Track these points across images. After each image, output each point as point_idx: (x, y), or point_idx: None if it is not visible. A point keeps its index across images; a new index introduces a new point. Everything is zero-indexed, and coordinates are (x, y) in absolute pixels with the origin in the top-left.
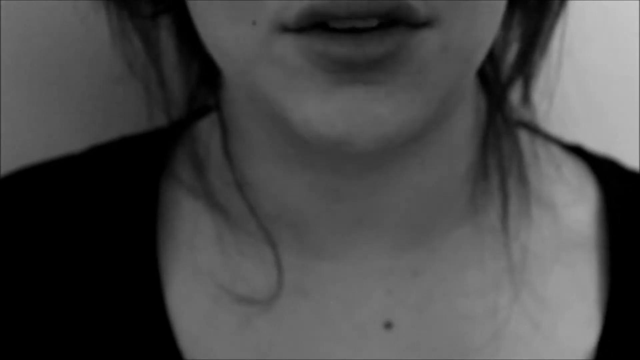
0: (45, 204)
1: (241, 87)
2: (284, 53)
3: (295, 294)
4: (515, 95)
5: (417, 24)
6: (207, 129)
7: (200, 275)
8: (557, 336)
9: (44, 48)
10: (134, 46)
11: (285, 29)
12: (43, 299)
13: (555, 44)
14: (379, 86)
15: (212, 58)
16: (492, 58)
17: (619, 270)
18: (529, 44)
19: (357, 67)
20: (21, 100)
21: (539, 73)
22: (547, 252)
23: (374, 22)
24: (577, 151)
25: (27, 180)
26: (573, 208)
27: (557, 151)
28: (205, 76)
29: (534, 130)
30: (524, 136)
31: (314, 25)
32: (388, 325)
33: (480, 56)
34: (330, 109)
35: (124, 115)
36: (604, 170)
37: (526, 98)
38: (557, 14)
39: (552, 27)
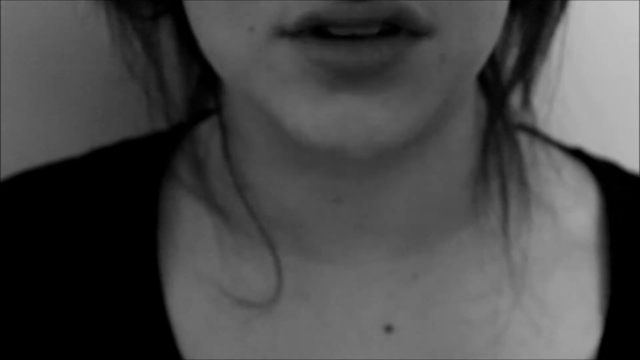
0: (46, 208)
1: (237, 91)
2: (279, 60)
3: (296, 297)
4: (515, 98)
5: (418, 33)
6: (207, 131)
7: (200, 279)
8: (557, 340)
9: (44, 50)
10: (134, 48)
11: (282, 33)
12: (44, 303)
13: (555, 47)
14: (374, 94)
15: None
16: (493, 62)
17: (619, 273)
18: (530, 48)
19: (352, 75)
20: (21, 103)
21: (539, 76)
22: (547, 255)
23: (375, 30)
24: (578, 154)
25: (27, 183)
26: (573, 211)
27: (557, 154)
28: (205, 78)
29: (534, 133)
30: (524, 139)
31: (313, 29)
32: (388, 329)
33: (479, 64)
34: (322, 117)
35: (124, 118)
36: (605, 173)
37: (526, 101)
38: (557, 18)
39: (552, 31)
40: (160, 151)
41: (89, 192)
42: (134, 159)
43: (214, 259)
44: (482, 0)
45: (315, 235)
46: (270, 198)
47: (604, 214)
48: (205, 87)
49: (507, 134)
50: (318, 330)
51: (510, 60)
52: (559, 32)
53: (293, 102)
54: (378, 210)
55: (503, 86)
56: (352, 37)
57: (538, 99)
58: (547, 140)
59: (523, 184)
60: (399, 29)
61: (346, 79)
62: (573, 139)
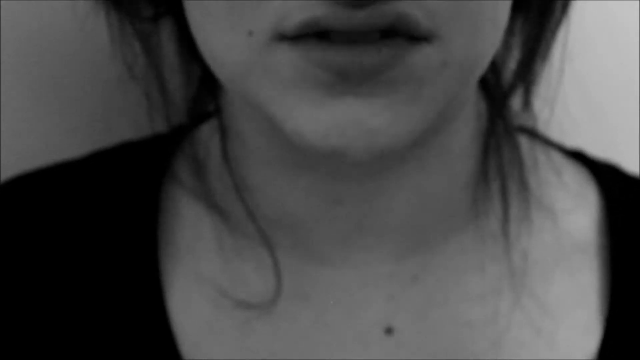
0: (46, 210)
1: (236, 94)
2: (278, 64)
3: (296, 299)
4: (516, 100)
5: (418, 37)
6: (207, 133)
7: (200, 280)
8: (558, 342)
9: (44, 50)
10: (134, 50)
11: (282, 38)
12: (44, 304)
13: (556, 49)
14: (375, 99)
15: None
16: (494, 64)
17: (619, 276)
18: (531, 51)
19: (353, 78)
20: (21, 103)
21: (540, 79)
22: (547, 257)
23: (375, 36)
24: (578, 156)
25: (27, 186)
26: (574, 214)
27: (557, 157)
28: (205, 80)
29: (535, 135)
30: (524, 141)
31: (313, 33)
32: (389, 331)
33: (481, 69)
34: (322, 121)
35: (124, 119)
36: (605, 175)
37: (527, 104)
38: (559, 21)
39: (554, 34)
40: (160, 153)
41: (89, 194)
42: (134, 160)
43: (214, 260)
44: (483, 6)
45: (315, 236)
46: (270, 199)
47: (604, 216)
48: (205, 89)
49: (508, 136)
50: (318, 331)
51: (511, 62)
52: (560, 34)
53: (292, 105)
54: (378, 211)
55: (504, 88)
56: (352, 42)
57: (539, 101)
58: (548, 142)
59: (523, 185)
60: (398, 34)
61: (346, 81)
62: (573, 141)
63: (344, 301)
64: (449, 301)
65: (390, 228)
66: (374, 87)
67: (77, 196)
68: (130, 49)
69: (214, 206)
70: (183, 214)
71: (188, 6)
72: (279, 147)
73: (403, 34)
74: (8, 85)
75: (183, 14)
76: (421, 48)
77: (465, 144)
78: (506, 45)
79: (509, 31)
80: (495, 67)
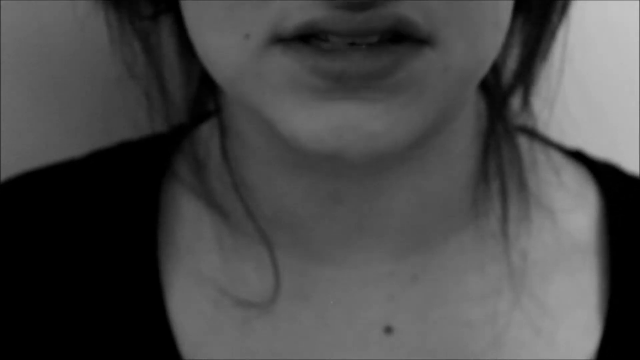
0: (46, 209)
1: (232, 95)
2: (271, 69)
3: (296, 298)
4: (515, 100)
5: (421, 41)
6: (207, 132)
7: (200, 279)
8: (557, 342)
9: (44, 50)
10: (134, 49)
11: (278, 40)
12: (44, 303)
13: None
14: (375, 103)
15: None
16: (494, 64)
17: (619, 275)
18: (531, 51)
19: (350, 83)
20: (21, 103)
21: (540, 78)
22: (547, 257)
23: (374, 39)
24: (578, 156)
25: (28, 185)
26: (573, 213)
27: (557, 156)
28: (205, 79)
29: (534, 135)
30: (523, 141)
31: (307, 37)
32: (388, 330)
33: (482, 72)
34: (318, 125)
35: (124, 118)
36: (605, 175)
37: (526, 103)
38: (559, 21)
39: (554, 34)
40: (160, 152)
41: (90, 193)
42: (134, 160)
43: (214, 259)
44: (485, 9)
45: (315, 236)
46: (270, 198)
47: (603, 216)
48: (205, 88)
49: (507, 136)
50: (318, 331)
51: (511, 61)
52: (560, 34)
53: (287, 109)
54: (378, 211)
55: (503, 88)
56: (351, 44)
57: (538, 101)
58: (547, 142)
59: (523, 185)
60: (401, 37)
61: (343, 87)
62: (573, 141)
63: (343, 301)
64: (449, 301)
65: (390, 228)
66: (374, 92)
67: (77, 195)
68: (129, 48)
69: (214, 205)
70: (183, 213)
71: (185, 6)
72: (278, 147)
73: (403, 38)
74: (8, 85)
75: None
76: (423, 53)
77: (465, 144)
78: (506, 44)
79: (510, 31)
80: (495, 67)
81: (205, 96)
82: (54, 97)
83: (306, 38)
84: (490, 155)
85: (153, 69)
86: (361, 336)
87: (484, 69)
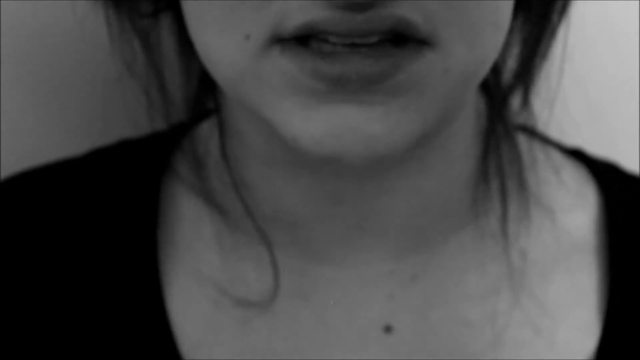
0: (46, 208)
1: (231, 95)
2: (270, 70)
3: (295, 298)
4: (515, 99)
5: (419, 41)
6: (207, 130)
7: (200, 278)
8: (556, 341)
9: (43, 50)
10: (134, 48)
11: (277, 41)
12: (43, 303)
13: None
14: (374, 105)
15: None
16: (494, 63)
17: (618, 275)
18: (531, 51)
19: (349, 86)
20: (21, 103)
21: (540, 79)
22: (546, 256)
23: (373, 39)
24: (577, 155)
25: (27, 184)
26: (573, 212)
27: (556, 155)
28: (205, 78)
29: (533, 134)
30: (523, 141)
31: (306, 39)
32: (388, 330)
33: (482, 73)
34: (317, 128)
35: (124, 117)
36: (604, 174)
37: (526, 102)
38: (559, 21)
39: (554, 34)
40: (160, 150)
41: (89, 192)
42: (133, 158)
43: (213, 258)
44: (484, 11)
45: (315, 235)
46: (269, 198)
47: (603, 215)
48: (204, 87)
49: (507, 135)
50: (318, 330)
51: (511, 60)
52: (560, 34)
53: (286, 111)
54: (378, 211)
55: (503, 88)
56: (351, 45)
57: (538, 101)
58: (547, 141)
59: (522, 185)
60: (401, 38)
61: (342, 89)
62: (573, 141)
63: (343, 300)
64: (449, 301)
65: (390, 228)
66: (373, 95)
67: (77, 194)
68: (129, 47)
69: (214, 204)
70: (183, 212)
71: (185, 6)
72: (278, 147)
73: (403, 39)
74: (8, 85)
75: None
76: (423, 54)
77: (465, 144)
78: (506, 44)
79: (509, 30)
80: (495, 67)
81: (204, 95)
82: (53, 96)
83: (305, 41)
84: (490, 155)
85: (153, 68)
86: (361, 335)
87: (484, 70)
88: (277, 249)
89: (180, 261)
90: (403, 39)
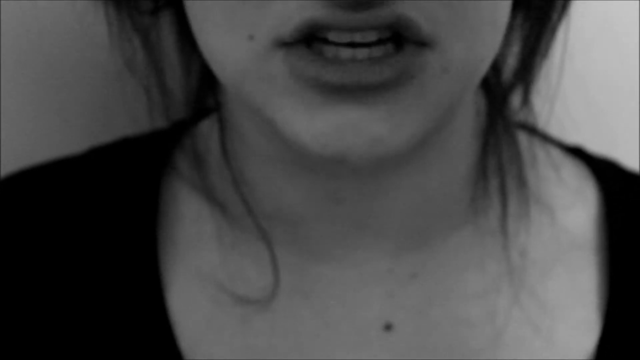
0: (46, 206)
1: (235, 95)
2: (274, 72)
3: (295, 296)
4: (515, 97)
5: (423, 43)
6: (208, 128)
7: (200, 276)
8: (556, 339)
9: (43, 49)
10: (134, 46)
11: (280, 45)
12: (43, 301)
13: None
14: (376, 107)
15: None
16: (493, 62)
17: (618, 272)
18: (531, 49)
19: (352, 91)
20: (21, 101)
21: (540, 77)
22: (546, 254)
23: (373, 37)
24: (577, 153)
25: (27, 181)
26: (572, 210)
27: (556, 153)
28: (205, 76)
29: (533, 132)
30: (523, 138)
31: (310, 40)
32: (388, 328)
33: (481, 72)
34: (320, 128)
35: (124, 115)
36: (604, 172)
37: (526, 100)
38: (559, 19)
39: (554, 33)
40: (160, 148)
41: (89, 190)
42: (134, 156)
43: (213, 255)
44: (482, 10)
45: (315, 233)
46: (269, 195)
47: (603, 213)
48: (205, 85)
49: (507, 133)
50: (317, 328)
51: (511, 58)
52: (560, 34)
53: (289, 111)
54: (378, 210)
55: (503, 86)
56: (351, 45)
57: (539, 100)
58: (547, 139)
59: (522, 182)
60: (401, 39)
61: (344, 94)
62: (573, 138)
63: (343, 298)
64: (448, 298)
65: (390, 226)
66: (376, 98)
67: (77, 192)
68: (129, 44)
69: (214, 201)
70: (183, 209)
71: (188, 6)
72: (278, 146)
73: (404, 41)
74: (8, 83)
75: (183, 7)
76: (424, 55)
77: (464, 142)
78: (506, 42)
79: (509, 28)
80: (495, 65)
81: (205, 92)
82: (53, 93)
83: (308, 43)
84: (490, 153)
85: (153, 66)
86: (361, 333)
87: (483, 69)
88: (277, 247)
89: (181, 259)
90: (403, 40)
